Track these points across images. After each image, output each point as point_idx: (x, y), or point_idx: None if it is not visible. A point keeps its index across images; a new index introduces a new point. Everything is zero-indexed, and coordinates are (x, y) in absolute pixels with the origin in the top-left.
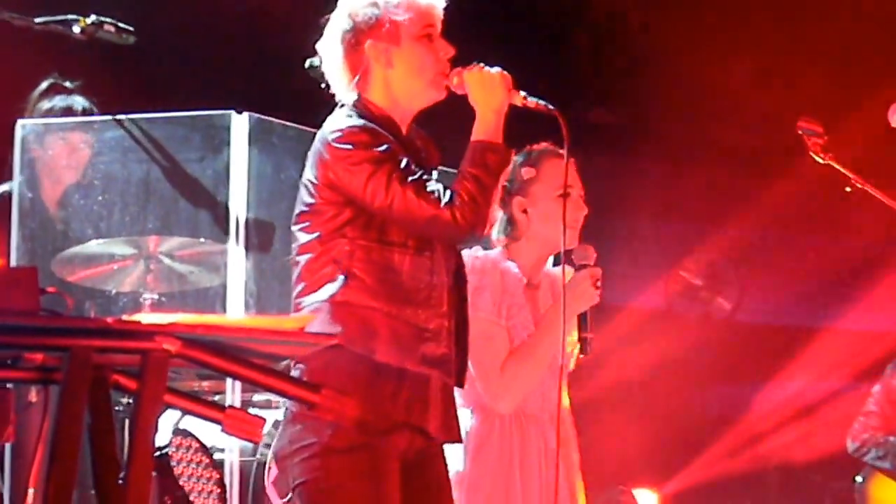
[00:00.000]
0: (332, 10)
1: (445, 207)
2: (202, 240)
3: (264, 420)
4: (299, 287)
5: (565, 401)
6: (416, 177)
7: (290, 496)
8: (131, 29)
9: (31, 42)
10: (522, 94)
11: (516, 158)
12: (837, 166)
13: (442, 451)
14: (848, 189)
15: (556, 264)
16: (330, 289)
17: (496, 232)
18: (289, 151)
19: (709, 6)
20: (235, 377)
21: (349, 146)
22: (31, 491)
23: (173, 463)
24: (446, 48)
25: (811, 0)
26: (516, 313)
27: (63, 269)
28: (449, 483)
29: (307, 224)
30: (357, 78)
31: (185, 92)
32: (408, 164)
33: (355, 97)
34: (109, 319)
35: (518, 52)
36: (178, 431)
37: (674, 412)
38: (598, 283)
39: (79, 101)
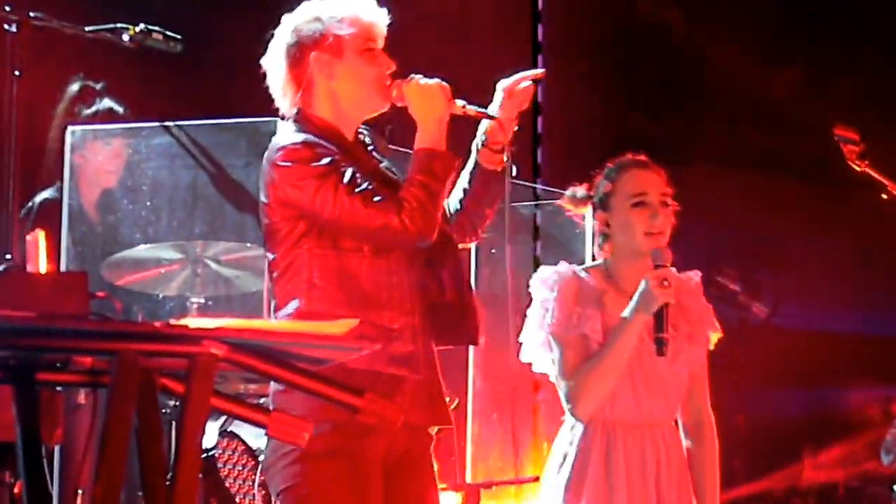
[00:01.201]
0: (276, 26)
1: (393, 215)
2: (248, 245)
3: (310, 424)
4: (272, 305)
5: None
6: (362, 188)
7: None
8: (179, 37)
9: (79, 50)
10: (461, 103)
11: (595, 181)
12: (874, 173)
13: (429, 449)
14: (884, 196)
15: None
16: (296, 302)
17: (597, 248)
18: None
19: (752, 15)
20: (281, 381)
21: (291, 163)
22: (79, 492)
23: (219, 465)
24: (388, 62)
25: (854, 8)
26: (585, 322)
27: (111, 273)
28: (435, 483)
29: (269, 243)
30: (300, 91)
31: (232, 99)
32: (353, 175)
33: (297, 111)
34: (157, 324)
35: (564, 60)
36: (224, 434)
37: (716, 418)
38: (665, 283)
39: (116, 104)
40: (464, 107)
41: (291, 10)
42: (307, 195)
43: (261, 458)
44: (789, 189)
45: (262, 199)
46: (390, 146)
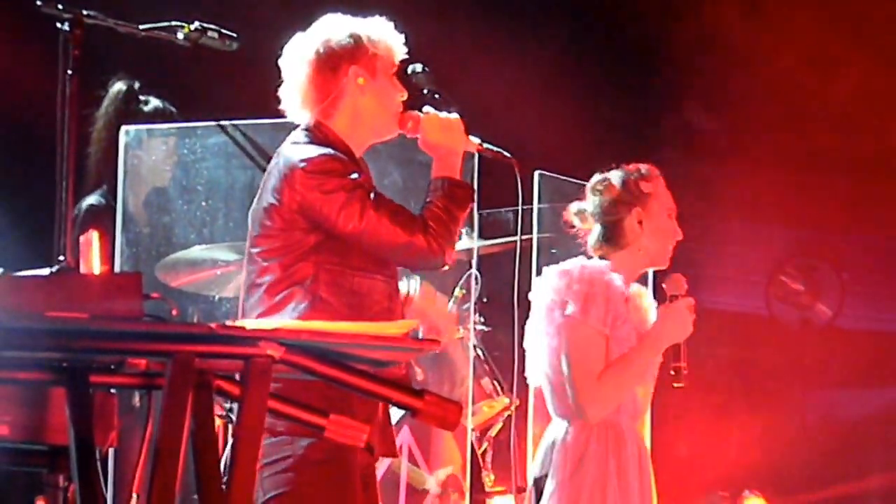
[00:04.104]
0: (305, 28)
1: (419, 234)
2: None
3: (367, 427)
4: (259, 310)
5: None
6: (388, 204)
7: None
8: (234, 35)
9: (132, 48)
10: (477, 140)
11: (622, 172)
12: None
13: (375, 467)
14: None
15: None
16: (295, 312)
17: (594, 240)
18: (392, 157)
19: (812, 12)
20: (338, 383)
21: (322, 174)
22: (134, 496)
23: None
24: (402, 90)
25: None
26: (620, 325)
27: (166, 274)
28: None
29: (268, 247)
30: (325, 102)
31: None
32: (377, 192)
33: (315, 121)
34: (213, 325)
35: (616, 56)
36: None
37: (776, 419)
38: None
39: (168, 104)
40: (480, 144)
41: (345, 7)
42: (333, 206)
43: None
44: (853, 188)
45: (273, 201)
46: None
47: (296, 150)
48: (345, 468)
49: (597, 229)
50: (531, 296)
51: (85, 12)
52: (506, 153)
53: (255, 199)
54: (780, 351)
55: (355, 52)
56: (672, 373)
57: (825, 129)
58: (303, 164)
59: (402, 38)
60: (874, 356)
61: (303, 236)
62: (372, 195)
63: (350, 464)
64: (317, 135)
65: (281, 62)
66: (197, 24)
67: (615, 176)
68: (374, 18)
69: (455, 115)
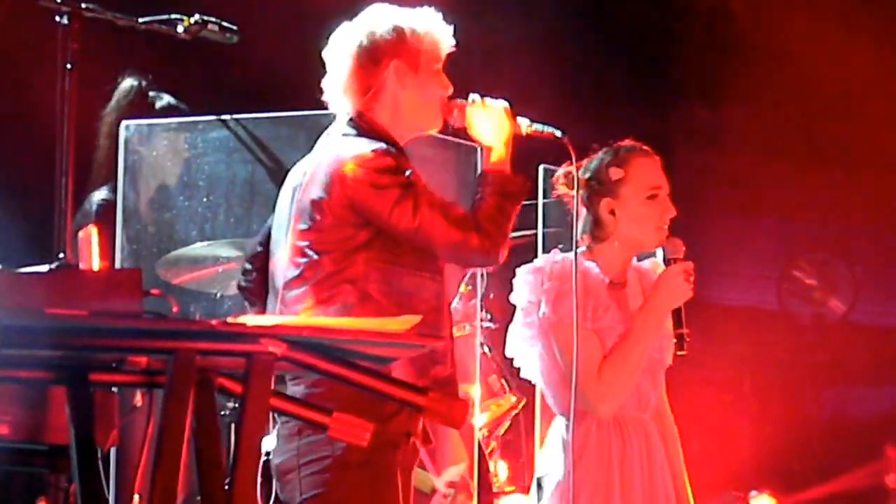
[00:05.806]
0: (336, 18)
1: (473, 233)
2: None
3: (372, 424)
4: (304, 303)
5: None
6: (441, 201)
7: None
8: (235, 28)
9: (132, 42)
10: (526, 122)
11: (602, 156)
12: None
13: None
14: None
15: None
16: (343, 309)
17: (581, 231)
18: None
19: (825, 3)
20: (341, 380)
21: (376, 169)
22: (136, 497)
23: None
24: (448, 84)
25: None
26: (602, 315)
27: (167, 271)
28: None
29: (317, 241)
30: (367, 95)
31: (290, 92)
32: (429, 189)
33: (357, 111)
34: (214, 322)
35: (624, 49)
36: None
37: (788, 416)
38: (691, 278)
39: (178, 101)
40: (529, 126)
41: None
42: (386, 203)
43: None
44: (866, 182)
45: (321, 195)
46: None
47: (347, 143)
48: (384, 470)
49: (583, 218)
50: (511, 297)
51: (83, 5)
52: (557, 132)
53: (293, 190)
54: (792, 347)
55: (398, 45)
56: (674, 340)
57: (840, 122)
58: (354, 159)
59: (449, 30)
60: (888, 352)
61: (354, 232)
62: (427, 192)
63: (389, 465)
64: (364, 126)
65: (325, 52)
66: (197, 17)
67: (587, 164)
68: (421, 10)
69: (501, 102)
